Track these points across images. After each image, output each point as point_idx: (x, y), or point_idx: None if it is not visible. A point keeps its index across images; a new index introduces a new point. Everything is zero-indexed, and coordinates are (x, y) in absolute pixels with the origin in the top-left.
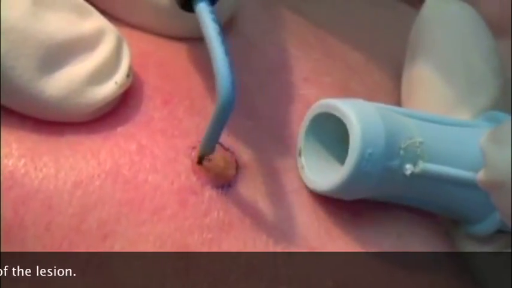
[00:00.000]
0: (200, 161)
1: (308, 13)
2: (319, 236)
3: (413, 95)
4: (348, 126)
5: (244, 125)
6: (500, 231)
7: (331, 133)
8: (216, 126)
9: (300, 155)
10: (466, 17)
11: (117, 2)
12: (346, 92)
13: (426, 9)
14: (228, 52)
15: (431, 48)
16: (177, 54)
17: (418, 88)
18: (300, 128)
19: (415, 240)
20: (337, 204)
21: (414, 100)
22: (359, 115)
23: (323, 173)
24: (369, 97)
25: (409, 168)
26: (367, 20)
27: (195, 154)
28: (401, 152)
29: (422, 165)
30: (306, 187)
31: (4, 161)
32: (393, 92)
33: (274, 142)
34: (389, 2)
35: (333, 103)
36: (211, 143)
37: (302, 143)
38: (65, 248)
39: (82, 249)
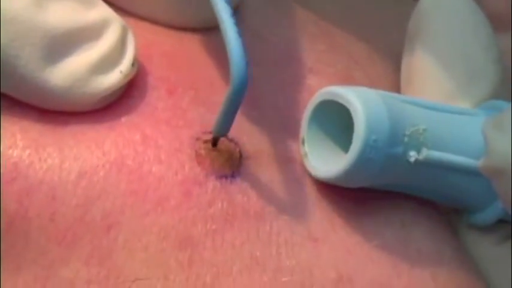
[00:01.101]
0: (215, 142)
1: (312, 6)
2: (323, 226)
3: (413, 85)
4: (353, 113)
5: (249, 115)
6: (502, 221)
7: (334, 121)
8: (230, 107)
9: (303, 142)
10: (464, 7)
11: None
12: (349, 82)
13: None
14: (240, 34)
15: (430, 37)
16: (182, 44)
17: (417, 77)
18: (303, 115)
19: (418, 230)
20: (340, 195)
21: (413, 89)
22: (363, 102)
23: (326, 161)
24: (372, 87)
25: (413, 155)
26: (371, 13)
27: (199, 145)
28: (406, 139)
29: (426, 153)
30: (310, 177)
31: (8, 152)
32: (395, 83)
33: (278, 132)
34: None
35: (336, 90)
36: (225, 124)
37: (305, 131)
38: (69, 239)
39: (86, 240)
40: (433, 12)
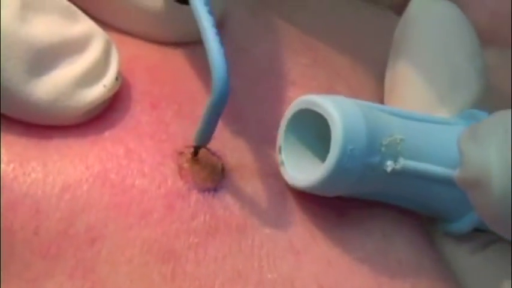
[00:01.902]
0: (196, 152)
1: (296, 20)
2: (304, 239)
3: (395, 93)
4: (330, 122)
5: (232, 129)
6: (478, 230)
7: (311, 130)
8: (211, 115)
9: (279, 151)
10: (450, 16)
11: (106, 8)
12: (332, 94)
13: (411, 7)
14: (222, 43)
15: (415, 46)
16: (165, 59)
17: (400, 86)
18: (280, 124)
19: (399, 240)
20: (322, 206)
21: (396, 98)
22: (340, 111)
23: (303, 170)
24: (354, 98)
25: (389, 165)
26: (353, 26)
27: (182, 159)
28: (382, 148)
29: (403, 162)
30: (293, 190)
31: None
32: (378, 95)
33: (261, 145)
34: (375, 9)
35: (314, 99)
36: (206, 133)
37: (282, 140)
38: (53, 252)
39: (70, 253)
40: (418, 21)
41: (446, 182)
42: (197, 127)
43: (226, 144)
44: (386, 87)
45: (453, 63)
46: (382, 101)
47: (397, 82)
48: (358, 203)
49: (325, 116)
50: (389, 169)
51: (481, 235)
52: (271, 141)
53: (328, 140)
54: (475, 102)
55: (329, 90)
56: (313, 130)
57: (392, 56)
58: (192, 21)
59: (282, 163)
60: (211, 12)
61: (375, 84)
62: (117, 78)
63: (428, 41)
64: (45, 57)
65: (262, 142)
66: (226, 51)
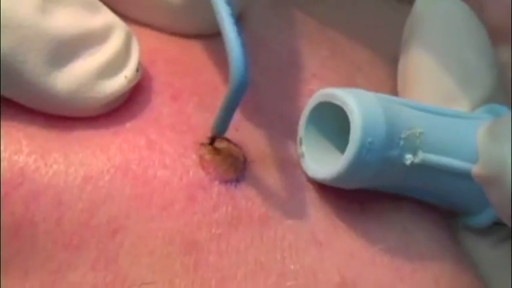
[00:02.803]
0: (212, 142)
1: (315, 13)
2: (326, 231)
3: (408, 88)
4: (349, 115)
5: (254, 120)
6: (498, 224)
7: (332, 122)
8: (228, 106)
9: (300, 143)
10: (458, 12)
11: (127, 0)
12: (351, 87)
13: (419, 4)
14: (240, 33)
15: (425, 42)
16: (186, 51)
17: (413, 82)
18: (301, 117)
19: (421, 234)
20: (344, 198)
21: (409, 93)
22: (360, 104)
23: (323, 162)
24: (373, 91)
25: (408, 158)
26: (372, 20)
27: (203, 150)
28: (401, 142)
29: (422, 156)
30: (314, 182)
31: (14, 158)
32: (396, 88)
33: (283, 137)
34: (394, 3)
35: (334, 92)
36: (224, 123)
37: (303, 132)
38: (75, 243)
39: (92, 244)
40: (426, 17)
41: (465, 175)
42: (215, 117)
43: (248, 135)
44: (399, 82)
45: (463, 58)
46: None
47: (409, 78)
48: (379, 195)
49: (345, 108)
50: (408, 162)
51: (502, 228)
52: (292, 133)
53: (348, 133)
54: (487, 98)
55: (349, 83)
56: (334, 123)
57: (403, 52)
58: (213, 13)
59: (303, 155)
60: (229, 2)
61: (393, 77)
62: (138, 70)
63: (438, 37)
64: (67, 49)
65: (284, 134)
66: (246, 44)
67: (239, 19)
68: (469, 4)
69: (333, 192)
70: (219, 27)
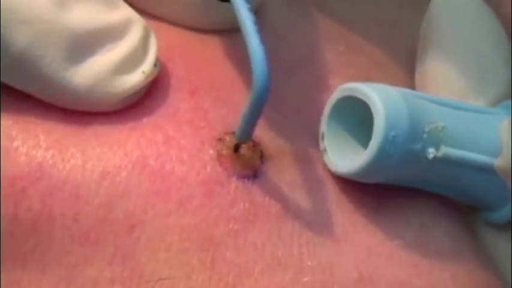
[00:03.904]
0: (236, 149)
1: (333, 9)
2: (344, 227)
3: (427, 85)
4: (372, 109)
5: (271, 116)
6: None
7: (354, 117)
8: (252, 114)
9: (322, 138)
10: (475, 7)
11: None
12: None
13: (436, 0)
14: (263, 41)
15: (442, 38)
16: (203, 46)
17: (431, 78)
18: (324, 111)
19: (438, 231)
20: (361, 194)
21: (427, 89)
22: (383, 98)
23: (345, 156)
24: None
25: (431, 152)
26: (389, 14)
27: (221, 145)
28: (424, 135)
29: (445, 150)
30: (331, 177)
31: (32, 153)
32: (413, 83)
33: (300, 132)
34: None
35: (357, 86)
36: (247, 130)
37: (325, 127)
38: (92, 238)
39: (109, 240)
40: (444, 13)
41: (487, 170)
42: (238, 125)
43: (266, 131)
44: (417, 79)
45: (481, 54)
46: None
47: (428, 75)
48: (397, 191)
49: (368, 102)
50: (431, 156)
51: None
52: (310, 128)
53: (370, 128)
54: (505, 94)
55: (365, 78)
56: (356, 117)
57: (421, 48)
58: (230, 9)
59: (325, 150)
60: (251, 10)
61: (410, 73)
62: (155, 65)
63: (455, 33)
64: (84, 44)
65: (301, 129)
66: (264, 40)
67: (256, 14)
68: (486, 0)
69: (351, 188)
70: (241, 32)
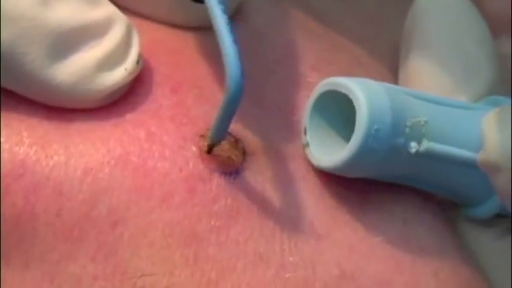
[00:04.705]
0: (210, 150)
1: (316, 7)
2: (326, 223)
3: (410, 82)
4: (355, 103)
5: (252, 113)
6: (500, 216)
7: (336, 111)
8: (225, 115)
9: (305, 132)
10: (459, 4)
11: None
12: None
13: None
14: (236, 41)
15: (426, 35)
16: (186, 43)
17: (414, 75)
18: (306, 106)
19: (421, 227)
20: (344, 191)
21: (411, 87)
22: (366, 92)
23: (328, 150)
24: None
25: (414, 147)
26: (372, 11)
27: (203, 142)
28: (407, 130)
29: (427, 144)
30: (313, 173)
31: (15, 149)
32: (396, 81)
33: (282, 129)
34: None
35: (339, 81)
36: (220, 132)
37: (307, 121)
38: (75, 235)
39: (92, 236)
40: (428, 11)
41: (469, 165)
42: (212, 125)
43: (247, 128)
44: (401, 76)
45: (465, 51)
46: None
47: (411, 72)
48: (380, 187)
49: (351, 96)
50: (413, 150)
51: (504, 221)
52: (292, 124)
53: (353, 122)
54: (490, 89)
55: (348, 76)
56: (339, 112)
57: (404, 45)
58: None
59: (307, 144)
60: (225, 10)
61: (393, 70)
62: (138, 62)
63: (439, 30)
64: (67, 41)
65: (283, 126)
66: (245, 37)
67: (237, 12)
68: None
69: (333, 184)
70: (214, 32)
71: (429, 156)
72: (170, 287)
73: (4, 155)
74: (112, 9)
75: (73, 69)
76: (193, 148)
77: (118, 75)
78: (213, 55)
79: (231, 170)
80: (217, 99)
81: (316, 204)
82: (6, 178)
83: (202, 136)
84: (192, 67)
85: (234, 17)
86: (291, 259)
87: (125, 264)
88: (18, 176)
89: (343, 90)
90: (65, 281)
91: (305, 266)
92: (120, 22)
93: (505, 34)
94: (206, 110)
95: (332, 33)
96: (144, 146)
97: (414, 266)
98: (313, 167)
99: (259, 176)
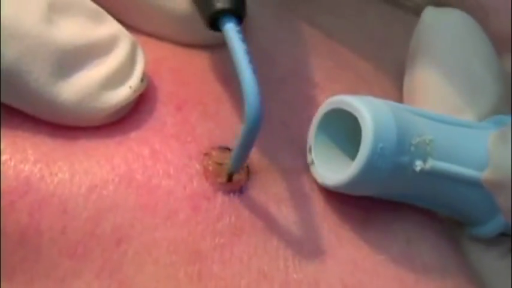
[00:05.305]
0: (230, 178)
1: (319, 23)
2: (330, 240)
3: (415, 101)
4: (360, 121)
5: None
6: (504, 235)
7: (342, 130)
8: (245, 144)
9: (310, 150)
10: (464, 24)
11: (132, 10)
12: None
13: (425, 17)
14: (255, 71)
15: (431, 54)
16: (190, 60)
17: (420, 94)
18: (311, 124)
19: (424, 245)
20: (348, 208)
21: (416, 105)
22: (371, 110)
23: (333, 169)
24: None
25: (419, 165)
26: (377, 30)
27: (207, 160)
28: (412, 148)
29: (432, 163)
30: (317, 191)
31: (20, 166)
32: (401, 99)
33: (285, 147)
34: (400, 14)
35: (345, 99)
36: (240, 161)
37: (313, 139)
38: (80, 252)
39: (97, 253)
40: (433, 29)
41: (474, 184)
42: (232, 155)
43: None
44: (405, 94)
45: (470, 69)
46: None
47: (416, 90)
48: (383, 205)
49: (356, 114)
50: (418, 169)
51: (508, 240)
52: (296, 142)
53: (358, 140)
54: (494, 109)
55: (354, 94)
56: (344, 130)
57: (409, 64)
58: None
59: (312, 162)
60: (243, 39)
61: (397, 89)
62: (142, 80)
63: (444, 49)
64: (72, 59)
65: (287, 144)
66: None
67: (243, 30)
68: (474, 14)
69: (337, 202)
70: (233, 63)
71: (434, 175)
72: None
73: (9, 172)
74: (117, 27)
75: (78, 87)
76: (198, 166)
77: (123, 93)
78: (217, 73)
79: (235, 188)
80: (222, 117)
81: (320, 221)
82: (11, 195)
83: (206, 154)
84: (196, 85)
85: None
86: (295, 276)
87: (129, 282)
88: (23, 193)
89: (349, 109)
90: None
91: (309, 283)
92: (125, 40)
93: (509, 52)
94: (210, 128)
95: (338, 51)
96: (148, 163)
97: (418, 285)
98: (318, 185)
99: (263, 194)
